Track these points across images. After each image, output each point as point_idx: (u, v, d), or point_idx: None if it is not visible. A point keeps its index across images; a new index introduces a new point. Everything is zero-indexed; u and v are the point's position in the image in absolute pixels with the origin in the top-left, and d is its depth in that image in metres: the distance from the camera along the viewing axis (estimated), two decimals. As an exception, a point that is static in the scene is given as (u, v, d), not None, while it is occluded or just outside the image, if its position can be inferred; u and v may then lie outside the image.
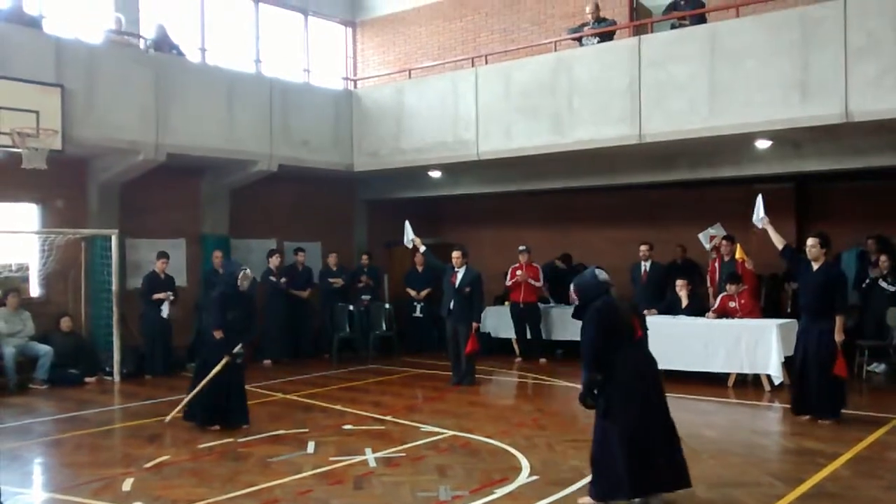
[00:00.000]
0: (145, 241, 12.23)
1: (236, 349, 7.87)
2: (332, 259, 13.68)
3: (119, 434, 8.19)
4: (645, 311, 10.78)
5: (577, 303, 5.45)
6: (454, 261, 10.79)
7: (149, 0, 12.92)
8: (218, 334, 7.88)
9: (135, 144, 10.95)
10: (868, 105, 8.94)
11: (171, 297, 11.63)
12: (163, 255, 11.74)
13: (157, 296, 11.52)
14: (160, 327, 11.56)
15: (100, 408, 9.42)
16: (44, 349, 10.67)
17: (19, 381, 10.46)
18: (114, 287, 11.33)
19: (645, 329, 5.42)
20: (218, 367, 7.83)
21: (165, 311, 11.58)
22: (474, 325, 10.55)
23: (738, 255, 10.94)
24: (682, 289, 10.93)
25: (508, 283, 12.84)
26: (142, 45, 11.92)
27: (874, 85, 8.88)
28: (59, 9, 11.89)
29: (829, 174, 11.20)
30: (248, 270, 8.08)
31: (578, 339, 11.22)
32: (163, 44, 11.94)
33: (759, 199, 8.66)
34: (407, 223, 10.91)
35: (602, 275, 5.41)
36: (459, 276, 10.68)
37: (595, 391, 5.24)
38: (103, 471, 6.48)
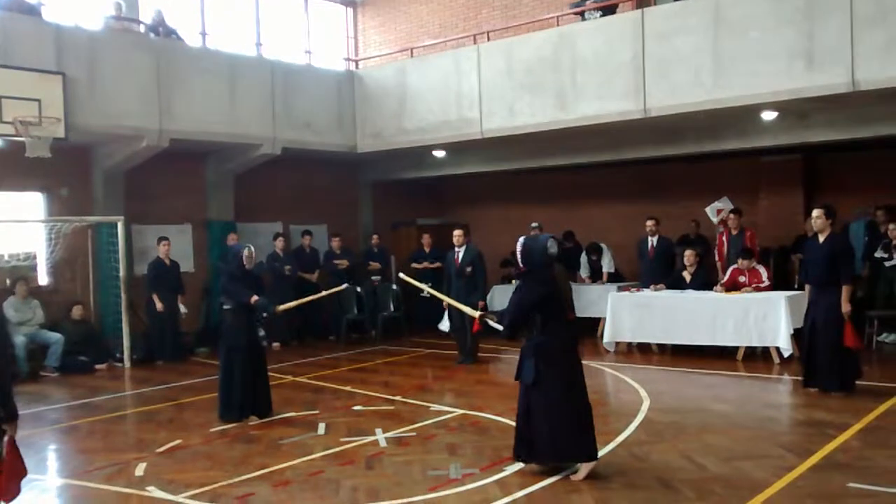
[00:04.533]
0: (151, 228, 12.24)
1: (260, 333, 7.74)
2: (335, 243, 13.65)
3: (131, 419, 8.24)
4: (652, 286, 10.91)
5: (519, 264, 5.64)
6: (455, 239, 10.76)
7: (148, -16, 12.86)
8: (255, 298, 7.50)
9: (138, 130, 10.94)
10: (876, 73, 8.84)
11: (182, 309, 11.71)
12: (164, 238, 11.74)
13: (158, 302, 11.46)
14: (168, 313, 11.60)
15: (111, 394, 9.47)
16: (54, 337, 10.73)
17: (31, 369, 10.54)
18: (121, 274, 11.36)
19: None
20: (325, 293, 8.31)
21: (182, 308, 11.65)
22: (480, 303, 10.54)
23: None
24: (689, 258, 10.88)
25: None
26: (142, 30, 11.88)
27: (882, 52, 8.78)
28: (57, -5, 11.84)
29: (836, 144, 11.11)
30: (252, 247, 7.84)
31: (587, 315, 11.48)
32: (160, 28, 11.87)
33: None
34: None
35: (553, 248, 5.55)
36: (461, 255, 10.66)
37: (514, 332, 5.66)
38: (116, 456, 6.52)
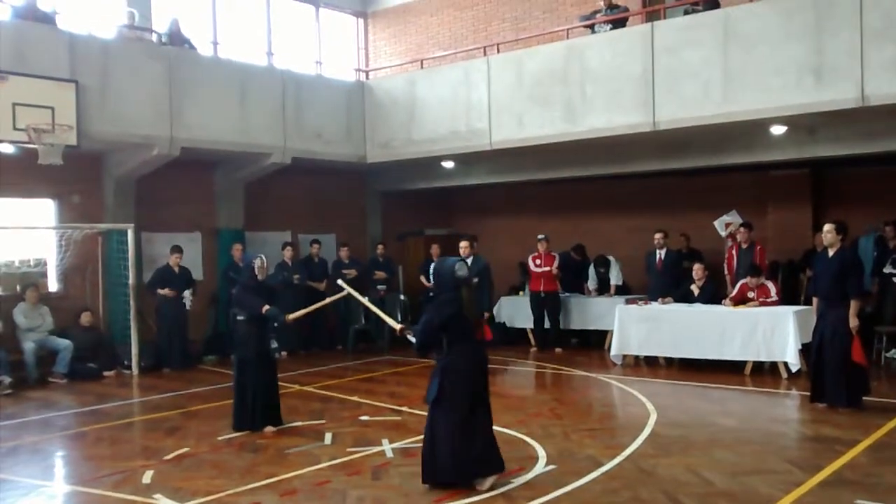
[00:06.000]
0: (161, 235, 12.29)
1: (273, 345, 7.76)
2: (343, 252, 13.68)
3: (139, 427, 8.26)
4: (660, 299, 10.90)
5: (433, 286, 5.96)
6: (462, 250, 10.79)
7: (160, -6, 12.98)
8: (265, 308, 7.50)
9: (149, 139, 11.00)
10: (885, 88, 8.83)
11: (188, 295, 11.70)
12: (176, 248, 11.79)
13: (161, 291, 11.54)
14: (177, 321, 11.63)
15: (119, 401, 9.51)
16: (63, 343, 10.77)
17: (39, 375, 10.58)
18: (131, 281, 11.40)
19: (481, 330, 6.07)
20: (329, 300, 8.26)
21: (188, 302, 11.66)
22: (485, 314, 10.55)
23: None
24: (698, 272, 10.88)
25: (536, 270, 12.68)
26: (154, 39, 11.97)
27: (891, 68, 8.77)
28: (72, 4, 11.95)
29: (845, 159, 11.09)
30: (264, 258, 7.83)
31: (595, 328, 11.58)
32: (175, 38, 11.97)
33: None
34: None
35: (461, 271, 5.75)
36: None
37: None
38: (123, 463, 6.54)
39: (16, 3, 10.49)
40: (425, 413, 8.04)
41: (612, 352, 11.01)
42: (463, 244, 10.84)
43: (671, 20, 10.69)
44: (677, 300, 10.88)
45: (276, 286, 8.95)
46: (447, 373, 5.61)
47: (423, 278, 13.87)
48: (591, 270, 12.99)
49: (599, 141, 11.33)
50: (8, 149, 10.03)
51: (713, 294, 10.80)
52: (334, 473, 6.08)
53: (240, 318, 7.71)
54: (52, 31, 10.41)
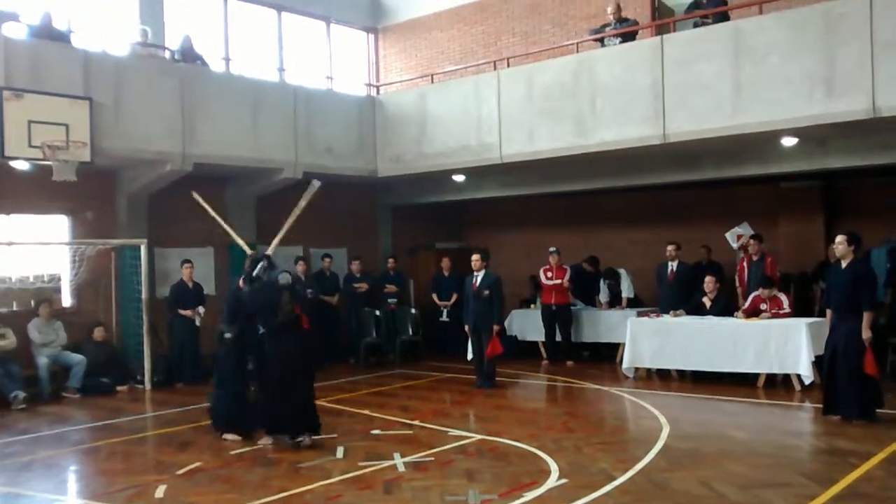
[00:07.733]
0: (174, 251, 12.35)
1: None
2: (355, 266, 13.73)
3: (151, 441, 8.29)
4: (672, 312, 10.86)
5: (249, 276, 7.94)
6: (473, 264, 10.80)
7: (173, 11, 13.11)
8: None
9: (162, 155, 11.09)
10: (896, 100, 8.83)
11: (201, 312, 11.75)
12: (187, 261, 11.84)
13: (182, 312, 11.60)
14: (189, 335, 11.66)
15: (132, 416, 9.54)
16: (77, 358, 10.83)
17: (53, 389, 10.63)
18: (143, 296, 11.46)
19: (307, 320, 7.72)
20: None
21: (198, 320, 11.71)
22: (496, 328, 10.56)
23: None
24: (709, 285, 10.85)
25: (547, 282, 12.67)
26: (167, 56, 12.08)
27: (903, 79, 8.77)
28: (86, 23, 12.09)
29: (856, 170, 11.05)
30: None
31: (606, 341, 11.84)
32: (188, 54, 12.08)
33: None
34: None
35: (283, 279, 7.62)
36: (479, 279, 10.71)
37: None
38: (136, 478, 6.57)
39: (31, 22, 10.62)
40: (437, 427, 8.17)
41: (624, 365, 10.98)
42: (474, 258, 10.85)
43: (681, 33, 10.71)
44: (689, 313, 10.84)
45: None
46: (264, 356, 7.65)
47: (435, 298, 13.88)
48: (602, 283, 12.97)
49: (610, 154, 11.34)
50: (23, 166, 10.13)
51: (725, 306, 10.75)
52: (346, 488, 6.08)
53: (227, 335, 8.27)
54: (66, 50, 10.53)
